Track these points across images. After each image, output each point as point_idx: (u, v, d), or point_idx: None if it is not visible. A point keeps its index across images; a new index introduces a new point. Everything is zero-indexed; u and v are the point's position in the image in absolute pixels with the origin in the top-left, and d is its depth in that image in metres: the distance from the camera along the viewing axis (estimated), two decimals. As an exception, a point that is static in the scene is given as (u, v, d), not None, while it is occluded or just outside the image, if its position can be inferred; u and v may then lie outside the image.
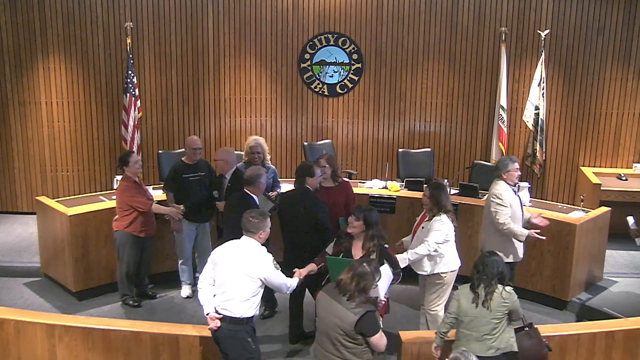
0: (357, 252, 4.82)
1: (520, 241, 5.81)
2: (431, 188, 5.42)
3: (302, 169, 5.73)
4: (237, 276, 4.37)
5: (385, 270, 4.63)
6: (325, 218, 5.49)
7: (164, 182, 6.81)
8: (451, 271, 5.46)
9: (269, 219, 4.56)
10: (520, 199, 5.98)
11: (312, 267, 4.95)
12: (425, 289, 5.55)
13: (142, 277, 6.63)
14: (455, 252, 5.50)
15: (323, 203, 5.59)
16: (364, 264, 4.03)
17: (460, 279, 5.88)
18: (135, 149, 8.39)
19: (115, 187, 7.28)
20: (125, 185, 6.28)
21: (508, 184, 5.84)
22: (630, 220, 6.10)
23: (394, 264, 4.81)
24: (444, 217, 5.30)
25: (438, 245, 5.25)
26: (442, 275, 5.41)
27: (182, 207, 6.39)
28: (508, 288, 4.28)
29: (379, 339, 3.98)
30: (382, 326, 4.10)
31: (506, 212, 5.70)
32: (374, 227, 4.83)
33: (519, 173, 5.95)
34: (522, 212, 5.96)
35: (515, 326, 4.38)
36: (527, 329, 4.43)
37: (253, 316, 4.46)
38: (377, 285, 4.09)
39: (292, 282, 4.68)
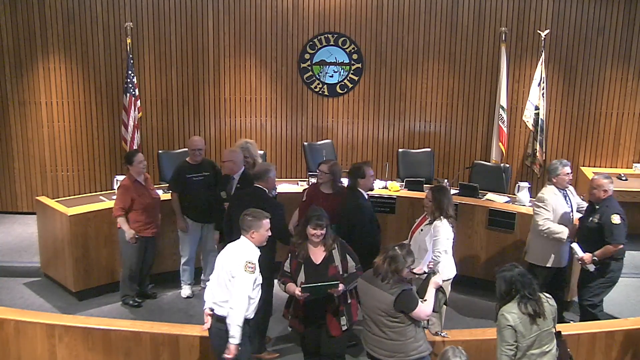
0: (317, 256, 4.64)
1: (562, 240, 5.65)
2: (434, 191, 5.32)
3: (353, 170, 5.79)
4: (220, 275, 4.44)
5: (446, 229, 5.10)
6: (364, 222, 5.45)
7: (169, 182, 6.83)
8: (447, 279, 5.29)
9: (265, 221, 4.47)
10: (571, 204, 5.84)
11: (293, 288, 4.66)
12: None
13: (143, 277, 6.63)
14: (452, 260, 5.32)
15: (367, 207, 5.60)
16: (396, 248, 4.19)
17: (460, 279, 5.88)
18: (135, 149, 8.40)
19: (115, 187, 7.28)
20: (122, 185, 6.32)
21: (558, 188, 5.73)
22: (576, 247, 5.61)
23: (355, 259, 4.72)
24: (445, 222, 5.19)
25: (442, 251, 5.13)
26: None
27: (133, 233, 6.20)
28: (547, 295, 4.14)
29: (419, 312, 4.13)
30: (427, 297, 4.31)
31: (545, 215, 5.64)
32: (329, 227, 4.73)
33: (570, 177, 5.81)
34: (572, 218, 5.81)
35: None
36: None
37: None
38: (409, 268, 4.22)
39: (248, 311, 4.39)
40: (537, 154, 8.64)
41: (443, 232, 5.17)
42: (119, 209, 6.21)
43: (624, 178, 8.48)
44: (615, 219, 5.39)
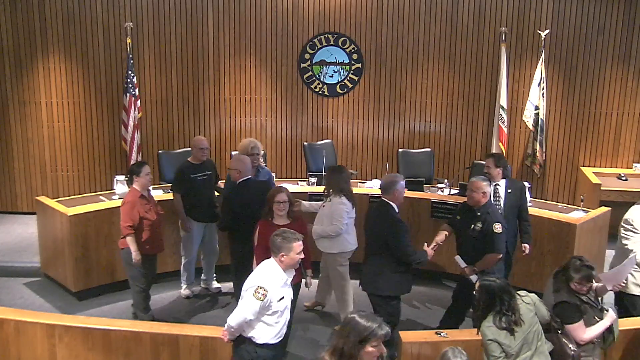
0: None
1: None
2: (328, 171, 6.08)
3: (499, 159, 6.24)
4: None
5: (344, 204, 5.72)
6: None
7: (172, 183, 6.71)
8: (347, 251, 5.92)
9: (296, 244, 4.22)
10: None
11: None
12: (327, 265, 6.11)
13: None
14: (353, 233, 5.93)
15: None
16: (571, 258, 4.29)
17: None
18: (135, 149, 8.40)
19: (115, 187, 7.28)
20: (128, 201, 5.69)
21: None
22: (459, 259, 5.44)
23: None
24: (343, 198, 5.80)
25: (343, 223, 5.74)
26: (339, 254, 5.89)
27: (140, 258, 5.68)
28: (522, 292, 4.13)
29: (574, 329, 4.13)
30: (597, 325, 4.21)
31: (633, 240, 5.21)
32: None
33: None
34: None
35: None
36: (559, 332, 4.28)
37: (252, 338, 4.22)
38: (576, 284, 4.22)
39: (260, 335, 4.20)
40: (537, 154, 8.65)
41: (342, 206, 5.77)
42: (128, 227, 5.60)
43: (624, 178, 8.49)
44: (497, 227, 5.23)
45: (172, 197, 6.63)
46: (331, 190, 5.86)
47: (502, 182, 6.06)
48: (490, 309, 3.99)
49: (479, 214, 5.33)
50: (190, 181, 6.45)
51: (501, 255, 5.31)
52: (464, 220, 5.46)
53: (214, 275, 6.94)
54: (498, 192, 6.03)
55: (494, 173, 6.04)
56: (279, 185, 5.69)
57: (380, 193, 5.56)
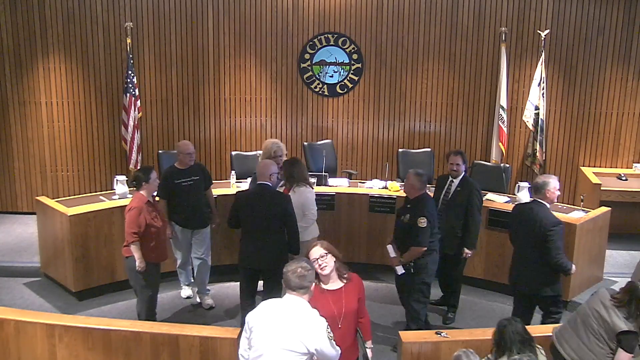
0: None
1: None
2: (285, 164, 6.09)
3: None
4: (276, 351, 3.52)
5: (310, 192, 5.76)
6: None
7: (157, 189, 6.27)
8: (316, 236, 5.98)
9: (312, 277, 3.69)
10: None
11: None
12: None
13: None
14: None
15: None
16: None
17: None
18: (135, 149, 8.39)
19: (115, 187, 7.26)
20: (136, 208, 5.43)
21: None
22: (390, 249, 5.58)
23: None
24: (308, 187, 5.94)
25: (314, 212, 5.92)
26: (311, 240, 5.67)
27: (144, 264, 5.49)
28: (539, 345, 4.01)
29: (626, 358, 4.03)
30: None
31: None
32: None
33: None
34: None
35: None
36: None
37: None
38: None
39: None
40: (537, 154, 8.64)
41: (310, 194, 5.92)
42: (133, 234, 5.40)
43: (624, 178, 8.49)
44: (422, 222, 5.35)
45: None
46: (288, 183, 5.96)
47: (457, 180, 6.13)
48: (499, 350, 3.89)
49: (408, 206, 5.54)
50: (174, 187, 6.24)
51: (425, 249, 5.41)
52: (400, 211, 5.72)
53: (208, 290, 6.67)
54: (450, 188, 6.14)
55: (461, 170, 6.12)
56: (320, 241, 4.34)
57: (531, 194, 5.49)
